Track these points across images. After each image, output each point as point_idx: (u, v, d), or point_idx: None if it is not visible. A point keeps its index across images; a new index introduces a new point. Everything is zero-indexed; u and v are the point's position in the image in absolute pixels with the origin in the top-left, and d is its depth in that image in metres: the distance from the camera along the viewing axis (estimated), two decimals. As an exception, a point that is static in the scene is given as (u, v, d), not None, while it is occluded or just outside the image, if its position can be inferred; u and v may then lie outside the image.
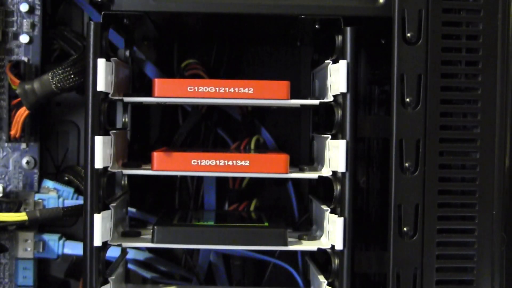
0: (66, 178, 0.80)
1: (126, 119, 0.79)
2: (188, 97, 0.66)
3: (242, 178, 0.83)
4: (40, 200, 0.78)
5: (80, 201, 0.77)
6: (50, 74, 0.72)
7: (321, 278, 0.69)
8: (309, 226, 0.80)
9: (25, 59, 0.77)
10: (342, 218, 0.65)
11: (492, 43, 0.63)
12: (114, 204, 0.67)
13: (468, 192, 0.63)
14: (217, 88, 0.66)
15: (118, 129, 0.71)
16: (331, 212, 0.67)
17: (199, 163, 0.66)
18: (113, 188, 0.78)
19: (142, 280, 0.83)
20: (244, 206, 0.83)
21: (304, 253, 0.80)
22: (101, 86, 0.63)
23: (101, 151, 0.63)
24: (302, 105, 0.74)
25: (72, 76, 0.72)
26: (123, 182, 0.77)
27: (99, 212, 0.63)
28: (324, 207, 0.70)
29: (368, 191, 0.81)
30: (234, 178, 0.83)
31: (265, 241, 0.68)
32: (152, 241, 0.67)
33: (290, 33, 0.75)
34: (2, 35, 0.77)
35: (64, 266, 0.83)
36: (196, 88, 0.66)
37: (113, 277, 0.66)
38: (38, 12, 0.78)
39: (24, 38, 0.77)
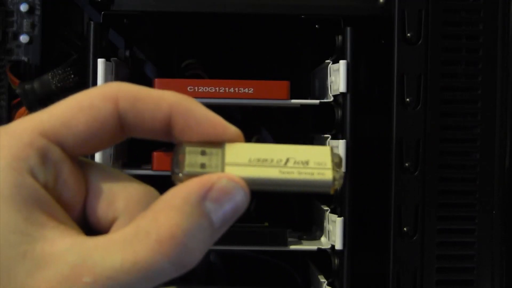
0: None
1: (126, 119, 0.79)
2: (188, 97, 0.66)
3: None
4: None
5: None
6: (50, 74, 0.72)
7: (321, 278, 0.69)
8: (309, 226, 0.80)
9: (25, 59, 0.77)
10: (342, 218, 0.65)
11: (492, 43, 0.63)
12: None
13: (468, 192, 0.63)
14: (217, 88, 0.66)
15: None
16: (331, 212, 0.67)
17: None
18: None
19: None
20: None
21: (304, 253, 0.80)
22: (101, 86, 0.63)
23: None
24: (302, 105, 0.74)
25: (72, 76, 0.72)
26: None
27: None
28: (324, 207, 0.70)
29: (368, 191, 0.81)
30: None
31: (265, 241, 0.68)
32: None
33: (290, 33, 0.75)
34: (2, 35, 0.77)
35: None
36: (196, 88, 0.66)
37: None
38: (38, 12, 0.78)
39: (24, 38, 0.77)
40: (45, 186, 0.25)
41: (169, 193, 0.26)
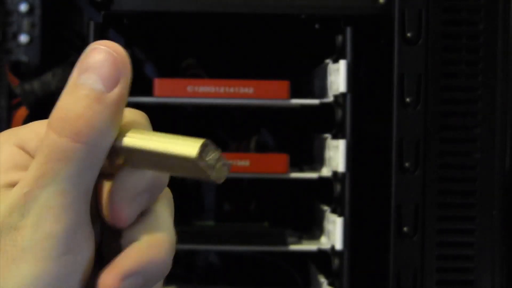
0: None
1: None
2: (188, 97, 0.66)
3: (242, 179, 0.83)
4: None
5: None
6: (50, 74, 0.72)
7: (321, 278, 0.69)
8: (309, 226, 0.80)
9: (25, 59, 0.77)
10: (342, 218, 0.65)
11: (492, 43, 0.63)
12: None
13: (468, 192, 0.63)
14: (217, 88, 0.66)
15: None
16: (331, 212, 0.67)
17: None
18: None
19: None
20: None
21: (304, 253, 0.80)
22: (101, 86, 0.63)
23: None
24: (302, 105, 0.74)
25: (72, 76, 0.72)
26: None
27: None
28: (324, 207, 0.70)
29: (368, 191, 0.81)
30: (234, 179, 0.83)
31: (265, 241, 0.68)
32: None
33: (290, 33, 0.75)
34: (2, 35, 0.77)
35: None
36: (196, 88, 0.66)
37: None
38: (38, 12, 0.78)
39: (24, 38, 0.77)
40: None
41: None
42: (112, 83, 0.25)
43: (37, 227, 0.24)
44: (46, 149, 0.25)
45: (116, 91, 0.25)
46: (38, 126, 0.27)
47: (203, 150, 0.26)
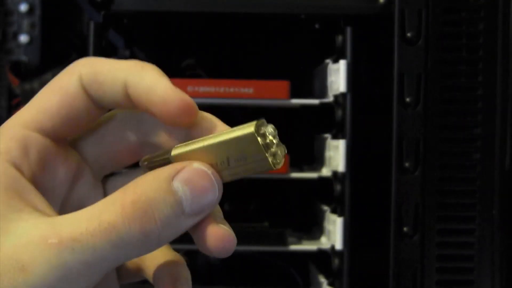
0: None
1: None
2: (188, 97, 0.66)
3: (242, 179, 0.83)
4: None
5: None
6: (50, 74, 0.72)
7: (321, 278, 0.69)
8: (309, 226, 0.79)
9: (25, 59, 0.77)
10: (342, 218, 0.65)
11: (492, 43, 0.63)
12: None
13: (468, 192, 0.63)
14: (217, 88, 0.66)
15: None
16: (331, 212, 0.67)
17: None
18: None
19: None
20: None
21: (304, 253, 0.80)
22: (101, 86, 0.63)
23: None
24: (302, 105, 0.74)
25: (72, 76, 0.72)
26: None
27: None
28: (324, 207, 0.70)
29: (368, 191, 0.81)
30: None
31: (265, 241, 0.68)
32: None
33: (290, 33, 0.75)
34: (2, 35, 0.77)
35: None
36: (196, 88, 0.66)
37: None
38: (38, 12, 0.78)
39: (24, 38, 0.77)
40: (32, 173, 0.26)
41: (143, 175, 0.26)
42: (196, 213, 0.26)
43: (41, 279, 0.24)
44: (104, 223, 0.24)
45: (194, 219, 0.26)
46: (11, 131, 0.27)
47: (259, 127, 0.26)
